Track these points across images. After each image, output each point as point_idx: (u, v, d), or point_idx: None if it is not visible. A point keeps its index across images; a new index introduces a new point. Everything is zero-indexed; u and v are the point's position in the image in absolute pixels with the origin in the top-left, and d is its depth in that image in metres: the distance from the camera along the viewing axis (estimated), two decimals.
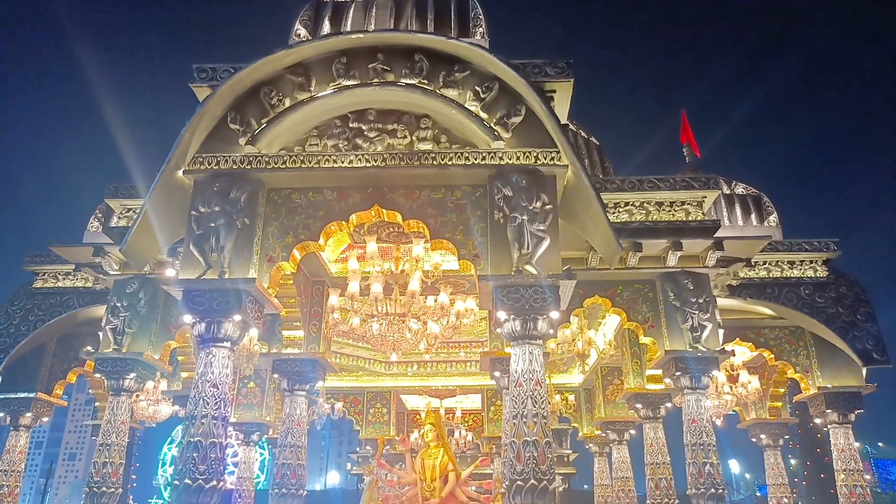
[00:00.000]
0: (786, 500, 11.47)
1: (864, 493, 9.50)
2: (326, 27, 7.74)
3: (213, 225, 6.19)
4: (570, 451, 19.30)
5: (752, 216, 9.98)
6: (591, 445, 14.38)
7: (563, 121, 6.74)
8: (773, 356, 10.18)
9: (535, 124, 6.41)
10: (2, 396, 10.10)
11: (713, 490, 7.48)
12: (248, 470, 13.10)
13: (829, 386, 9.85)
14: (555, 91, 6.69)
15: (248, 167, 6.43)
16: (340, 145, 6.51)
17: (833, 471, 10.01)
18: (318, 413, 12.84)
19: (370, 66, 6.45)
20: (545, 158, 6.33)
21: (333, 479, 62.76)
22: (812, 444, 14.68)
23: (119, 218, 8.45)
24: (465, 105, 6.38)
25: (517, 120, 6.38)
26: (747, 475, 50.48)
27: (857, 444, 10.13)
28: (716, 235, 8.03)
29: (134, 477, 18.04)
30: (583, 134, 11.41)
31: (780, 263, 9.69)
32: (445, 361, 13.77)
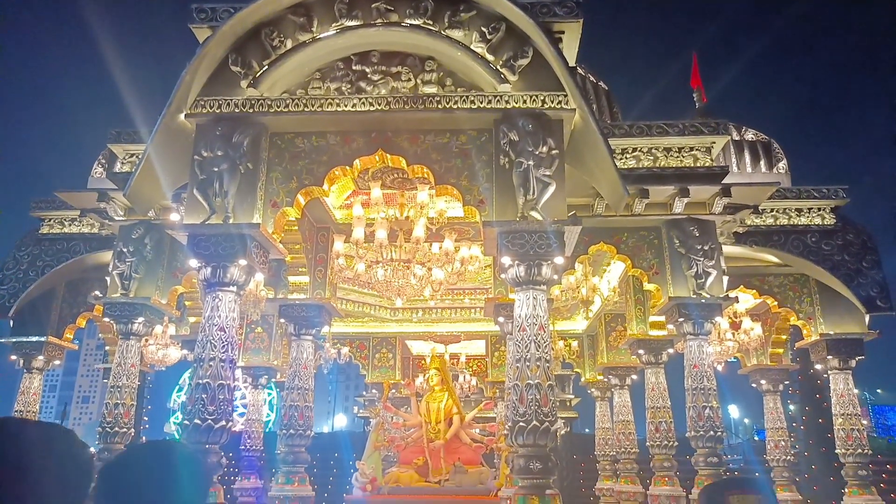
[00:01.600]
0: (783, 444, 11.70)
1: (861, 437, 9.67)
2: None
3: (216, 170, 6.16)
4: (573, 396, 19.64)
5: (762, 162, 9.86)
6: (593, 390, 14.61)
7: (572, 63, 6.58)
8: (776, 303, 10.21)
9: (543, 67, 6.27)
10: (14, 340, 10.27)
11: (712, 433, 7.62)
12: (256, 412, 13.42)
13: (832, 333, 9.91)
14: (563, 32, 6.50)
15: (251, 111, 6.34)
16: (343, 88, 6.40)
17: (831, 416, 10.18)
18: (324, 357, 13.03)
19: (373, 5, 6.28)
20: (552, 102, 6.21)
21: (340, 421, 64.28)
22: (812, 389, 14.85)
23: (122, 163, 8.40)
24: (471, 47, 6.23)
25: (524, 62, 6.24)
26: (746, 420, 51.47)
27: (856, 391, 10.26)
28: (724, 182, 7.95)
29: (146, 419, 18.48)
30: (591, 78, 11.19)
31: (787, 211, 9.62)
32: (450, 308, 13.89)
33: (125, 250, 8.34)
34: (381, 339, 14.84)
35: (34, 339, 10.27)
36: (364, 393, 19.38)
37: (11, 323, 10.19)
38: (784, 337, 11.87)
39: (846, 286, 9.35)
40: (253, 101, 6.36)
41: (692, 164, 8.01)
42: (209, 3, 6.54)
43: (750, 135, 10.18)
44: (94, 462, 1.58)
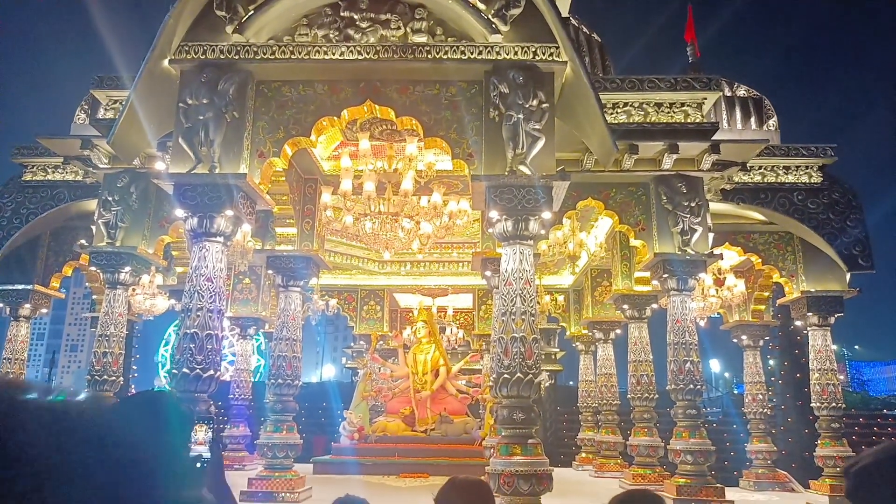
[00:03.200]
0: (761, 397, 12.00)
1: (836, 392, 9.93)
2: None
3: (201, 118, 6.06)
4: (558, 350, 19.96)
5: (752, 119, 9.82)
6: (577, 344, 14.84)
7: (564, 13, 6.51)
8: (760, 261, 10.33)
9: (535, 17, 6.16)
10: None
11: (692, 386, 7.82)
12: (245, 362, 13.55)
13: (813, 290, 10.07)
14: None
15: (236, 57, 6.20)
16: (331, 36, 6.26)
17: (809, 371, 10.43)
18: (312, 309, 13.12)
19: None
20: (544, 54, 6.12)
21: (329, 372, 65.05)
22: (791, 345, 15.15)
23: (106, 110, 8.25)
24: None
25: (516, 12, 6.12)
26: (726, 374, 52.61)
27: (833, 347, 10.48)
28: (713, 138, 7.94)
29: (135, 367, 18.61)
30: (584, 30, 11.00)
31: (775, 168, 9.64)
32: (438, 261, 13.94)
33: (110, 199, 8.25)
34: (369, 291, 14.91)
35: (20, 287, 10.23)
36: (352, 344, 19.59)
37: None
38: (766, 294, 12.04)
39: (829, 244, 9.46)
40: (238, 48, 6.22)
41: (683, 120, 7.98)
42: None
43: (742, 91, 10.11)
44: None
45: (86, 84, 8.68)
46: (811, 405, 10.23)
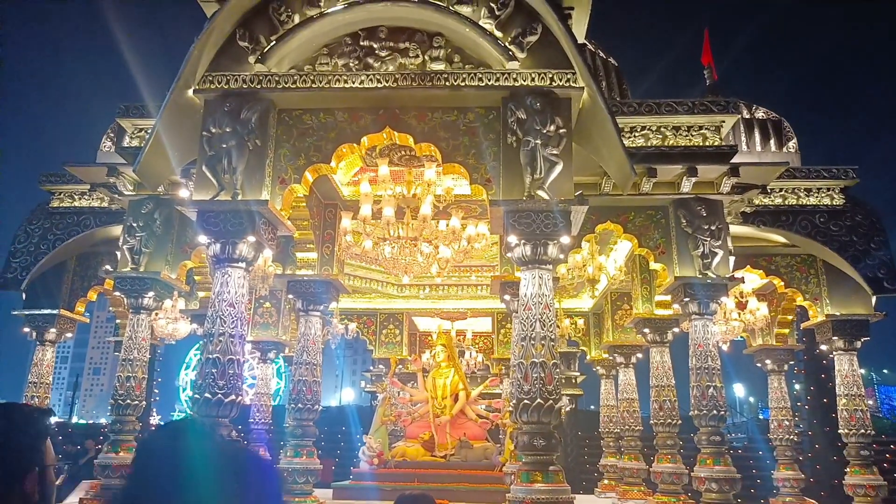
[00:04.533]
0: (786, 423, 11.77)
1: (864, 418, 9.71)
2: None
3: (224, 146, 6.17)
4: (578, 374, 19.76)
5: (772, 141, 9.78)
6: (598, 368, 14.69)
7: (581, 40, 6.55)
8: (783, 284, 10.20)
9: (551, 44, 6.22)
10: (26, 313, 10.40)
11: (715, 412, 7.68)
12: (265, 386, 13.59)
13: (837, 313, 9.91)
14: (573, 9, 6.48)
15: (258, 86, 6.34)
16: (351, 64, 6.38)
17: (835, 396, 10.22)
18: (332, 333, 13.16)
19: None
20: (560, 80, 6.18)
21: (348, 396, 64.95)
22: (816, 370, 14.88)
23: (131, 138, 8.44)
24: (480, 23, 6.18)
25: (533, 39, 6.19)
26: (751, 399, 51.65)
27: (861, 371, 10.28)
28: (732, 161, 7.91)
29: (157, 391, 18.76)
30: (600, 54, 11.09)
31: (796, 191, 9.57)
32: (457, 285, 13.95)
33: (135, 225, 8.41)
34: (389, 314, 14.94)
35: (46, 311, 10.40)
36: (371, 368, 19.55)
37: (24, 296, 10.32)
38: (790, 317, 11.87)
39: (853, 267, 9.33)
40: (261, 77, 6.35)
41: (701, 143, 7.97)
42: None
43: (760, 113, 10.09)
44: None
45: (111, 112, 8.90)
46: (839, 431, 10.01)
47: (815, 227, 9.45)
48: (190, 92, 6.36)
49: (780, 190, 9.51)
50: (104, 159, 9.01)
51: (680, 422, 10.07)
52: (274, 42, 6.27)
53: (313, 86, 6.33)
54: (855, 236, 9.44)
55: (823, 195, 9.59)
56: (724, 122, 8.09)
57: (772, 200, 9.48)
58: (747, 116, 9.89)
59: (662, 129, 8.04)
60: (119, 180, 8.38)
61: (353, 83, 6.30)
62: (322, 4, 6.27)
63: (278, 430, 13.20)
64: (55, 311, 10.39)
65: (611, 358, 13.36)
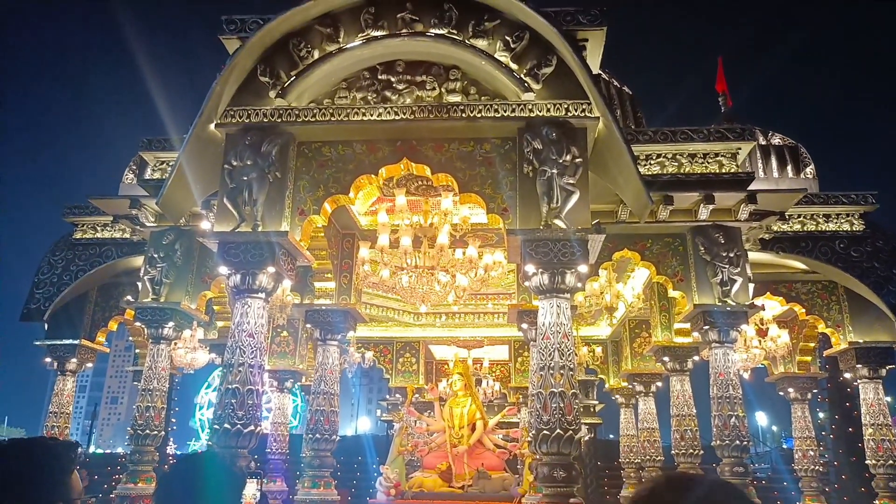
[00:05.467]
0: (811, 453, 11.53)
1: (892, 448, 9.48)
2: None
3: (245, 178, 6.29)
4: (597, 402, 19.53)
5: (789, 168, 9.75)
6: (617, 397, 14.52)
7: (595, 71, 6.62)
8: (804, 310, 10.08)
9: (566, 75, 6.30)
10: (48, 343, 10.52)
11: (738, 442, 7.55)
12: (282, 415, 13.57)
13: (861, 341, 9.75)
14: (587, 40, 6.54)
15: (279, 120, 6.47)
16: (369, 98, 6.50)
17: (861, 425, 10.01)
18: (349, 361, 13.16)
19: (399, 15, 6.37)
20: (576, 110, 6.24)
21: (364, 425, 64.58)
22: (841, 398, 14.59)
23: (153, 170, 8.60)
24: (495, 55, 6.29)
25: (548, 70, 6.28)
26: (774, 427, 50.64)
27: (887, 399, 10.08)
28: (750, 188, 7.89)
29: (174, 420, 18.80)
30: (615, 83, 11.17)
31: (815, 217, 9.50)
32: (473, 313, 13.93)
33: (156, 256, 8.52)
34: (405, 343, 14.92)
35: (68, 342, 10.51)
36: (387, 397, 19.48)
37: (46, 326, 10.45)
38: (812, 344, 11.70)
39: (876, 294, 9.20)
40: (281, 111, 6.48)
41: (717, 171, 7.97)
42: (238, 15, 6.70)
43: (777, 139, 10.08)
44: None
45: (134, 145, 9.11)
46: (866, 462, 9.78)
47: (835, 253, 9.36)
48: (212, 126, 6.50)
49: (799, 216, 9.45)
50: (126, 191, 9.18)
51: (702, 452, 9.90)
52: (294, 77, 6.41)
53: (332, 119, 6.44)
54: (876, 262, 9.32)
55: (843, 221, 9.51)
56: (740, 148, 8.09)
57: (790, 227, 9.42)
58: (763, 143, 9.88)
59: (678, 156, 8.06)
60: (141, 212, 8.52)
61: (371, 116, 6.41)
62: (341, 40, 6.42)
63: (295, 460, 13.13)
64: (76, 342, 10.50)
65: (630, 386, 13.22)
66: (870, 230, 9.45)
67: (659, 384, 12.47)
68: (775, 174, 9.69)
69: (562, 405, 5.63)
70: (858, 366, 9.76)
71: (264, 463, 13.39)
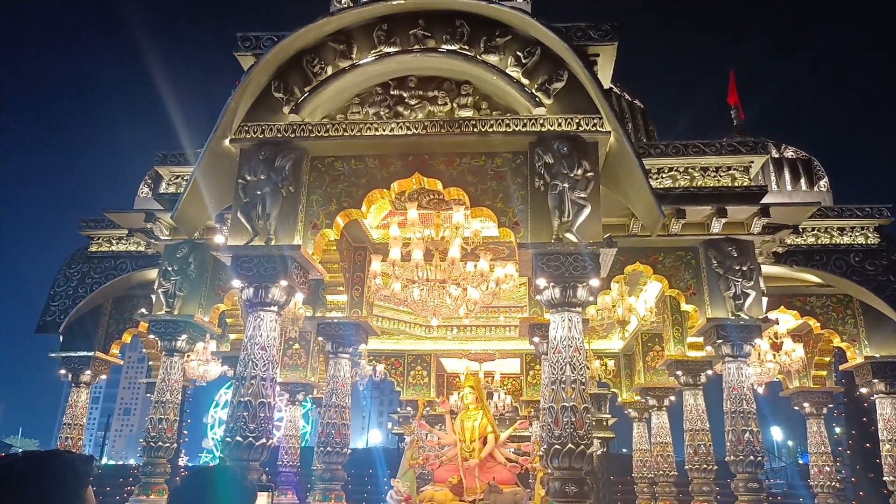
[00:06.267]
0: (828, 469, 11.38)
1: None
2: None
3: (259, 193, 6.35)
4: (609, 416, 19.39)
5: (802, 181, 9.70)
6: (630, 411, 14.42)
7: (606, 85, 6.64)
8: (819, 324, 9.99)
9: (578, 90, 6.33)
10: (63, 355, 10.62)
11: (752, 457, 7.48)
12: (293, 428, 13.59)
13: (877, 355, 9.65)
14: (598, 55, 6.57)
15: (293, 135, 6.53)
16: (382, 113, 6.55)
17: (879, 440, 9.88)
18: (360, 374, 13.17)
19: (411, 32, 6.43)
20: (587, 125, 6.26)
21: (375, 437, 64.42)
22: (857, 413, 14.40)
23: (168, 185, 8.71)
24: (507, 71, 6.33)
25: (559, 85, 6.31)
26: (790, 442, 50.01)
27: None
28: (762, 201, 7.86)
29: (186, 432, 18.87)
30: (626, 97, 11.18)
31: (829, 230, 9.44)
32: (485, 326, 13.90)
33: (170, 269, 8.61)
34: (416, 356, 14.90)
35: (82, 354, 10.61)
36: (398, 409, 19.44)
37: (61, 338, 10.56)
38: (827, 359, 11.58)
39: (891, 307, 9.11)
40: (294, 126, 6.55)
41: (730, 184, 7.95)
42: (253, 32, 6.81)
43: (790, 152, 10.04)
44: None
45: (148, 159, 9.23)
46: (884, 478, 9.64)
47: (849, 266, 9.29)
48: (226, 141, 6.58)
49: (813, 229, 9.39)
50: (141, 205, 9.29)
51: (716, 467, 9.80)
52: (308, 93, 6.48)
53: (345, 134, 6.51)
54: (892, 276, 9.24)
55: (857, 234, 9.45)
56: (752, 162, 8.07)
57: (804, 240, 9.36)
58: (776, 156, 9.85)
59: (690, 170, 8.05)
60: (156, 225, 8.62)
61: (384, 131, 6.46)
62: (354, 56, 6.49)
63: (306, 473, 13.13)
64: (91, 354, 10.60)
65: (643, 400, 13.12)
66: (885, 243, 9.38)
67: (672, 398, 12.38)
68: (788, 187, 9.64)
69: (573, 419, 5.61)
70: (875, 381, 9.65)
71: (275, 475, 13.40)
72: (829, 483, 11.29)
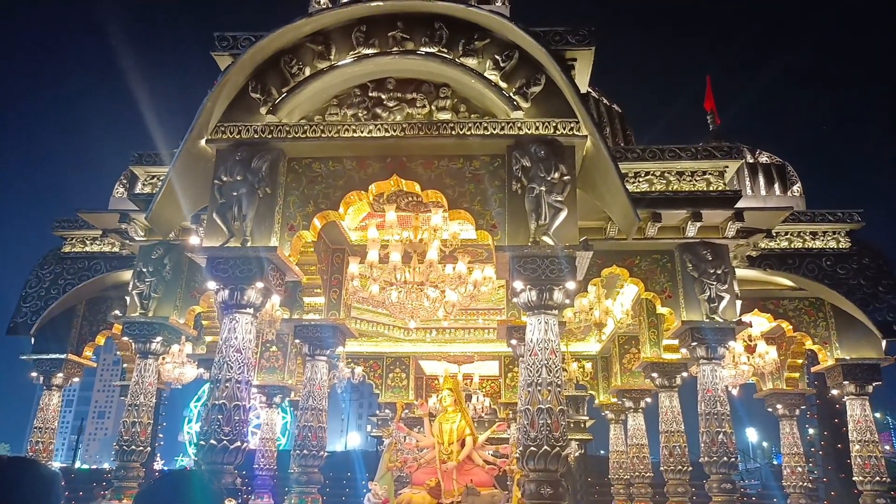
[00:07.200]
0: (800, 469, 11.56)
1: (879, 465, 9.53)
2: None
3: (235, 194, 6.30)
4: (587, 418, 19.50)
5: (776, 186, 9.87)
6: (607, 413, 14.53)
7: (584, 90, 6.69)
8: (791, 327, 10.15)
9: (555, 94, 6.37)
10: (35, 357, 10.44)
11: (726, 458, 7.57)
12: (270, 431, 13.49)
13: (848, 358, 9.83)
14: (576, 59, 6.62)
15: (270, 136, 6.50)
16: (360, 115, 6.54)
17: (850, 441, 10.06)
18: (338, 377, 13.10)
19: (390, 34, 6.43)
20: (564, 129, 6.30)
21: (354, 440, 64.14)
22: (830, 414, 14.63)
23: (143, 185, 8.60)
24: (485, 74, 6.35)
25: (537, 89, 6.35)
26: (765, 443, 50.64)
27: (877, 415, 10.16)
28: (737, 206, 7.97)
29: (161, 435, 18.62)
30: (604, 101, 11.28)
31: (801, 234, 9.61)
32: (463, 328, 13.92)
33: (145, 270, 8.50)
34: (395, 358, 14.87)
35: (54, 356, 10.44)
36: (377, 412, 19.40)
37: (33, 340, 10.37)
38: (800, 361, 11.77)
39: (862, 311, 9.29)
40: (272, 127, 6.51)
41: (705, 188, 8.05)
42: (231, 32, 6.76)
43: (764, 158, 10.20)
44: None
45: (124, 159, 9.12)
46: (854, 479, 9.82)
47: (821, 270, 9.45)
48: (202, 142, 6.52)
49: (786, 233, 9.55)
50: (116, 205, 9.17)
51: (691, 468, 9.90)
52: (285, 94, 6.45)
53: (323, 135, 6.48)
54: (863, 279, 9.42)
55: (829, 238, 9.62)
56: (727, 167, 8.18)
57: (778, 244, 9.51)
58: (751, 161, 10.01)
59: (666, 174, 8.14)
60: (130, 226, 8.51)
61: (362, 132, 6.45)
62: (332, 57, 6.47)
63: (283, 476, 13.02)
64: (63, 356, 10.43)
65: (619, 402, 13.23)
66: (856, 248, 9.55)
67: (648, 400, 12.50)
68: (762, 192, 9.80)
69: (549, 422, 5.63)
70: (845, 382, 9.83)
71: (252, 479, 13.28)
72: (801, 483, 11.46)
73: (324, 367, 8.80)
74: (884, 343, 9.63)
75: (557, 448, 5.58)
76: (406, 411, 15.09)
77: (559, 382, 5.82)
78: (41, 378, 10.45)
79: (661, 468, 9.99)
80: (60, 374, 10.43)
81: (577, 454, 17.16)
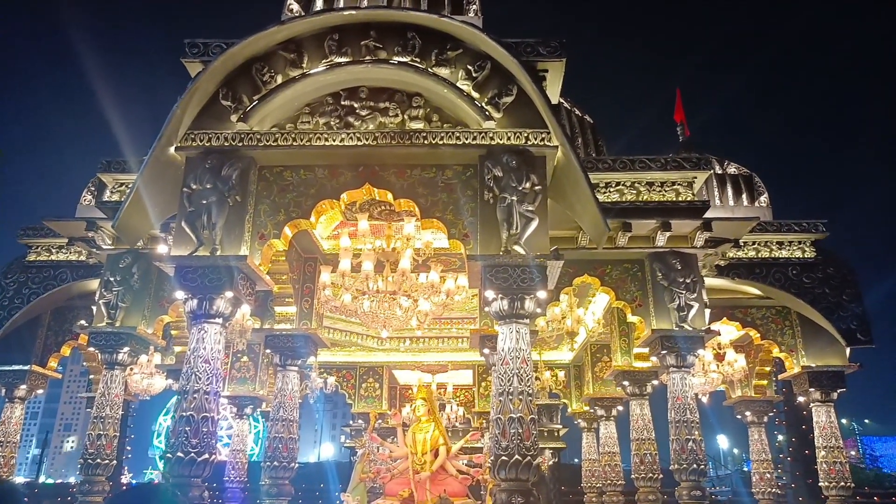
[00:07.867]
0: (769, 476, 11.72)
1: (843, 470, 9.71)
2: (319, 3, 7.71)
3: (204, 202, 6.23)
4: (560, 426, 19.57)
5: (744, 196, 10.07)
6: (579, 421, 14.60)
7: (555, 101, 6.76)
8: (759, 335, 10.32)
9: (527, 104, 6.43)
10: None
11: (695, 466, 7.66)
12: (241, 442, 13.28)
13: (813, 365, 10.02)
14: (547, 71, 6.69)
15: (240, 144, 6.44)
16: (332, 123, 6.52)
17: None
18: (311, 387, 12.98)
19: (363, 43, 6.44)
20: (535, 139, 6.36)
21: (327, 451, 63.47)
22: (797, 421, 14.91)
23: (112, 192, 8.47)
24: (457, 84, 6.39)
25: (508, 100, 6.40)
26: (735, 450, 51.29)
27: (843, 421, 10.37)
28: (705, 216, 8.11)
29: (129, 448, 18.23)
30: (576, 112, 11.41)
31: (768, 244, 9.79)
32: (437, 337, 13.90)
33: (112, 279, 8.35)
34: (368, 368, 14.79)
35: (18, 367, 10.19)
36: (351, 422, 19.22)
37: None
38: (768, 369, 11.96)
39: (827, 319, 9.48)
40: (242, 135, 6.46)
41: (674, 199, 8.18)
42: (201, 39, 6.69)
43: (732, 168, 10.40)
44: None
45: (91, 166, 8.96)
46: (820, 484, 9.99)
47: (788, 279, 9.63)
48: (172, 149, 6.44)
49: (754, 243, 9.72)
50: (84, 213, 9.00)
51: (661, 476, 9.99)
52: (256, 101, 6.41)
53: (294, 143, 6.45)
54: (827, 288, 9.62)
55: (795, 248, 9.82)
56: (696, 177, 8.33)
57: (745, 253, 9.68)
58: (719, 172, 10.19)
59: (637, 184, 8.25)
60: (98, 234, 8.37)
61: (334, 141, 6.43)
62: (305, 65, 6.45)
63: (254, 488, 12.84)
64: (27, 367, 10.19)
65: (592, 411, 13.31)
66: (821, 257, 9.76)
67: (620, 408, 12.59)
68: (730, 202, 9.99)
69: (520, 431, 5.64)
70: (811, 389, 10.01)
71: (222, 491, 13.06)
72: (770, 489, 11.61)
73: (295, 378, 8.71)
74: (848, 351, 9.83)
75: (529, 457, 5.59)
76: (379, 421, 14.98)
77: (530, 391, 5.83)
78: (3, 390, 10.19)
79: (633, 476, 10.06)
80: (24, 386, 10.18)
81: (550, 463, 17.19)
